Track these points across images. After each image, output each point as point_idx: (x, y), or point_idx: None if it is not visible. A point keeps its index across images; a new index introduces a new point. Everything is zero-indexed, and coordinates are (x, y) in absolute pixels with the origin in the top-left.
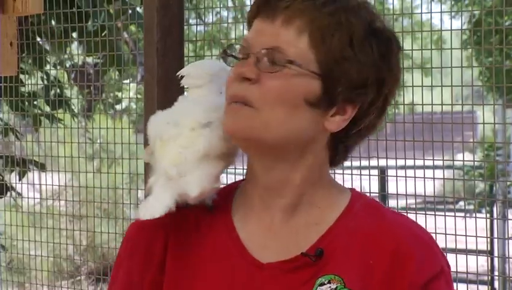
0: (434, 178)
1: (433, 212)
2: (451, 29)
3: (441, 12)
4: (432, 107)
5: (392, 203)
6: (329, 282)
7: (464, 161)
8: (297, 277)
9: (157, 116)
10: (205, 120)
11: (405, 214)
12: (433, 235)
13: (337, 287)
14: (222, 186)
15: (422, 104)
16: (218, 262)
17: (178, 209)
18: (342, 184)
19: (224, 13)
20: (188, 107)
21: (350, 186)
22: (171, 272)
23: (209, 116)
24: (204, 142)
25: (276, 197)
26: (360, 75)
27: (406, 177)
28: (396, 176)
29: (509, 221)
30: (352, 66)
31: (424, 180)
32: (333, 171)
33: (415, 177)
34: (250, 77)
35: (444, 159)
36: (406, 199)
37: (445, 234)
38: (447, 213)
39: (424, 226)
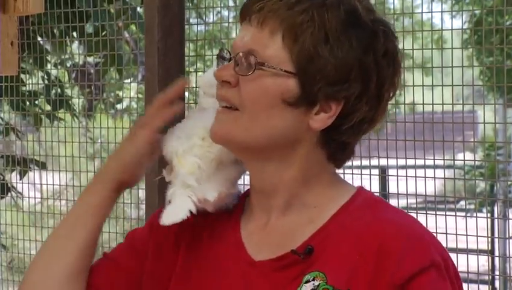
0: (435, 177)
1: (434, 212)
2: (451, 29)
3: (442, 11)
4: (433, 106)
5: (392, 202)
6: (313, 279)
7: (464, 160)
8: (286, 274)
9: (169, 135)
10: None
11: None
12: (441, 235)
13: (319, 284)
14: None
15: (423, 104)
16: (222, 261)
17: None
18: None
19: (225, 13)
20: (198, 119)
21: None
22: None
23: None
24: (216, 150)
25: (269, 198)
26: (338, 71)
27: (406, 176)
28: (397, 176)
29: (510, 220)
30: (329, 62)
31: (425, 179)
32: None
33: (415, 176)
34: (228, 80)
35: (445, 158)
36: (407, 199)
37: (446, 233)
38: (447, 213)
39: (432, 226)
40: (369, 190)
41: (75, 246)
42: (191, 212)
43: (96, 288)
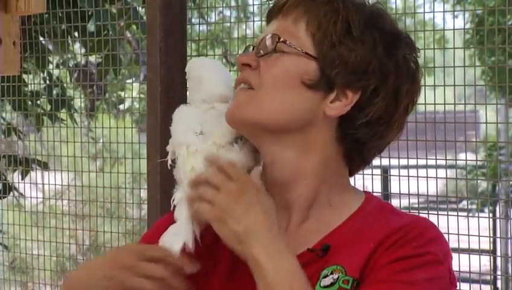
0: (437, 177)
1: (435, 212)
2: (453, 29)
3: (444, 11)
4: (435, 106)
5: (394, 203)
6: (332, 273)
7: (466, 160)
8: (305, 271)
9: (184, 119)
10: (233, 135)
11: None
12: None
13: (339, 276)
14: None
15: (425, 104)
16: (243, 264)
17: None
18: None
19: (227, 12)
20: (216, 120)
21: (363, 189)
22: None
23: (236, 132)
24: (233, 160)
25: (288, 191)
26: (358, 60)
27: (408, 176)
28: (399, 176)
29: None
30: (350, 50)
31: (427, 179)
32: None
33: (417, 176)
34: (249, 63)
35: (447, 158)
36: (409, 199)
37: (448, 233)
38: (449, 213)
39: None
40: (373, 193)
41: None
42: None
43: None
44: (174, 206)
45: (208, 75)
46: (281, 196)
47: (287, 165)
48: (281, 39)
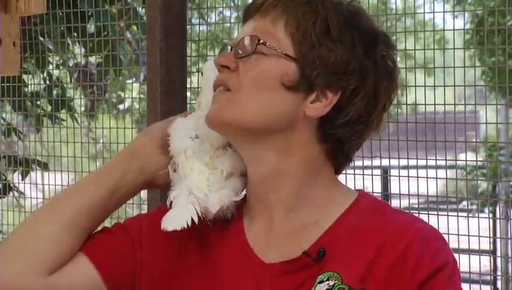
0: (437, 178)
1: (435, 212)
2: (453, 29)
3: (444, 12)
4: (435, 107)
5: (394, 203)
6: (328, 279)
7: (466, 160)
8: (297, 276)
9: (180, 129)
10: (227, 139)
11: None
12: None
13: (335, 283)
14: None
15: (425, 104)
16: (231, 264)
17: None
18: (345, 184)
19: (227, 13)
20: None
21: (356, 188)
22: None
23: None
24: (228, 162)
25: (270, 192)
26: (338, 61)
27: (408, 177)
28: (399, 176)
29: None
30: (330, 51)
31: (427, 180)
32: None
33: (417, 177)
34: (227, 65)
35: (447, 159)
36: (409, 199)
37: (448, 234)
38: (449, 213)
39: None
40: (369, 192)
41: (79, 204)
42: (192, 219)
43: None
44: (170, 203)
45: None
46: (265, 196)
47: (269, 166)
48: (261, 41)
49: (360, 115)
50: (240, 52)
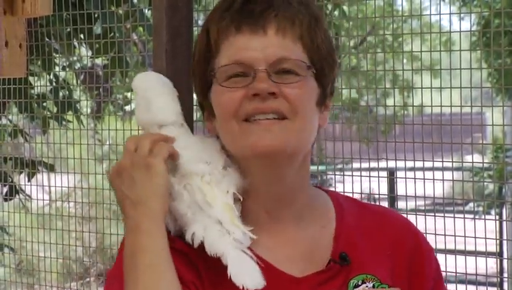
0: (443, 180)
1: (442, 214)
2: (460, 31)
3: (450, 14)
4: (441, 108)
5: (401, 205)
6: (363, 282)
7: (473, 162)
8: (332, 284)
9: (189, 148)
10: (223, 160)
11: (414, 215)
12: (442, 237)
13: (374, 284)
14: None
15: (432, 106)
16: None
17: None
18: (352, 186)
19: None
20: (209, 147)
21: (362, 190)
22: None
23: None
24: (233, 182)
25: (285, 207)
26: (337, 69)
27: (415, 178)
28: (406, 178)
29: None
30: (331, 58)
31: (434, 181)
32: (342, 173)
33: (424, 178)
34: (274, 91)
35: (453, 160)
36: (415, 201)
37: (455, 235)
38: (456, 215)
39: (433, 228)
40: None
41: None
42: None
43: None
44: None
45: (156, 101)
46: (278, 212)
47: (289, 183)
48: (308, 64)
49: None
50: (287, 77)
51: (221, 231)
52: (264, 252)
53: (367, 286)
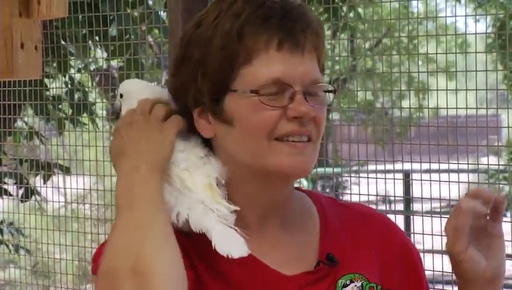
0: (458, 182)
1: None
2: (475, 33)
3: (466, 16)
4: (457, 110)
5: (416, 206)
6: (351, 281)
7: (488, 164)
8: (321, 285)
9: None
10: (204, 150)
11: (429, 217)
12: None
13: (362, 283)
14: None
15: (447, 108)
16: (245, 279)
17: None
18: (368, 188)
19: None
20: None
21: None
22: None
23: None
24: (216, 169)
25: (277, 214)
26: None
27: (430, 180)
28: (421, 180)
29: None
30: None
31: (449, 183)
32: (357, 175)
33: (439, 181)
34: (313, 116)
35: (469, 162)
36: (431, 203)
37: None
38: None
39: None
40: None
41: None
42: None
43: None
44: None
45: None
46: (265, 215)
47: (286, 192)
48: (334, 89)
49: None
50: (316, 100)
51: (205, 209)
52: (255, 253)
53: (355, 286)
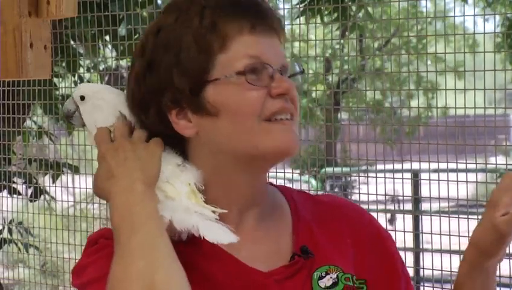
0: (467, 181)
1: (465, 216)
2: (484, 32)
3: (474, 15)
4: (465, 110)
5: (425, 206)
6: (327, 273)
7: (496, 163)
8: (298, 277)
9: None
10: (179, 158)
11: (438, 217)
12: (466, 238)
13: (337, 275)
14: None
15: (456, 107)
16: (225, 277)
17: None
18: (376, 187)
19: None
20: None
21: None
22: None
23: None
24: (193, 175)
25: (253, 206)
26: None
27: (438, 180)
28: (430, 179)
29: None
30: None
31: (457, 183)
32: (366, 175)
33: (448, 180)
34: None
35: (477, 162)
36: (439, 202)
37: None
38: (479, 217)
39: (457, 230)
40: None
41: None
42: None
43: None
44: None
45: (108, 109)
46: (244, 208)
47: (261, 184)
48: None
49: None
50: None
51: (189, 211)
52: (230, 250)
53: (331, 277)
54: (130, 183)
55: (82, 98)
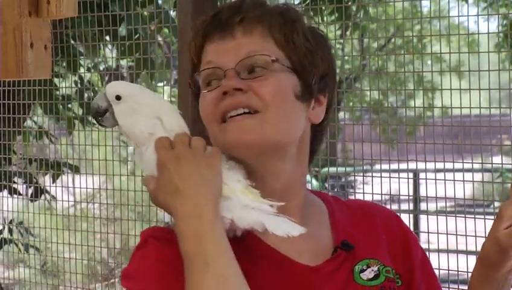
0: (469, 181)
1: (469, 215)
2: (487, 32)
3: (478, 15)
4: (467, 109)
5: (423, 206)
6: (368, 266)
7: (492, 163)
8: (342, 271)
9: None
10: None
11: (438, 216)
12: (470, 238)
13: (378, 268)
14: None
15: (459, 107)
16: (269, 273)
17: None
18: (377, 187)
19: None
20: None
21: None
22: None
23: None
24: (241, 172)
25: (291, 200)
26: (324, 64)
27: (436, 179)
28: (427, 179)
29: None
30: (316, 56)
31: (455, 183)
32: (367, 175)
33: (444, 179)
34: (241, 87)
35: (479, 162)
36: (436, 202)
37: (485, 237)
38: (481, 216)
39: (463, 230)
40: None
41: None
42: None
43: None
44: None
45: (147, 113)
46: (290, 203)
47: (288, 177)
48: (272, 58)
49: (332, 107)
50: (248, 73)
51: (248, 208)
52: (275, 246)
53: (372, 270)
54: (197, 206)
55: (118, 97)
